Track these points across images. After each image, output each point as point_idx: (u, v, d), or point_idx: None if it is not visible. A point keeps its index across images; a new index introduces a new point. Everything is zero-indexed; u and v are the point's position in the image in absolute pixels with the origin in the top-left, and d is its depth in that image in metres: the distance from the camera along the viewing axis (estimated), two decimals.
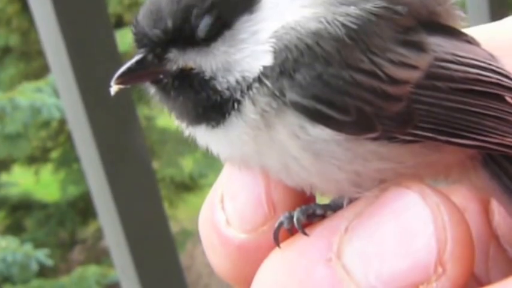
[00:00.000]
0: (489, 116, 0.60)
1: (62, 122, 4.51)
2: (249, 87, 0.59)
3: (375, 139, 0.58)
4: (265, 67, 0.58)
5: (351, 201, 0.60)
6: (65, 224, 5.07)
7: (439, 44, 0.60)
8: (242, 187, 0.63)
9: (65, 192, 5.13)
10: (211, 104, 0.60)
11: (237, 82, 0.59)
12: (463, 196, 0.68)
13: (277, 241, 0.60)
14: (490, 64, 0.62)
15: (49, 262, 3.65)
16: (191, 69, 0.61)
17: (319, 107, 0.56)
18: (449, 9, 0.64)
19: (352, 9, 0.58)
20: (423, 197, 0.55)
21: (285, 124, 0.58)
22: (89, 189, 1.56)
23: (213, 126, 0.61)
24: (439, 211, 0.55)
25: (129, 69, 0.60)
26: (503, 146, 0.61)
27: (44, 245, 4.04)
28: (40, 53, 3.97)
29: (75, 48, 1.39)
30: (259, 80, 0.58)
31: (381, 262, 0.54)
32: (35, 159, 5.33)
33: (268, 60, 0.58)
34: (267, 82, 0.58)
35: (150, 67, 0.61)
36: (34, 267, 3.57)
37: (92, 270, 4.13)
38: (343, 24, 0.57)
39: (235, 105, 0.59)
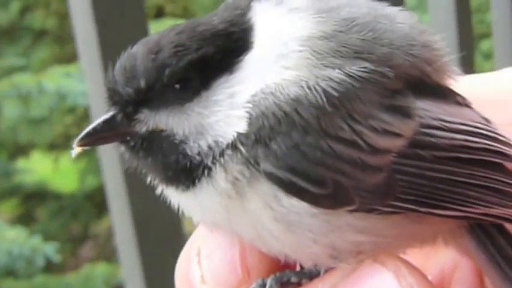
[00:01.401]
0: (474, 185, 0.59)
1: (88, 109, 4.46)
2: (221, 154, 0.57)
3: (352, 211, 0.56)
4: (239, 133, 0.57)
5: (329, 269, 0.59)
6: (78, 217, 5.01)
7: (427, 109, 0.59)
8: (217, 247, 0.62)
9: (83, 183, 5.08)
10: (180, 168, 0.58)
11: (209, 147, 0.58)
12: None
13: None
14: (477, 127, 0.61)
15: (57, 258, 3.54)
16: (162, 131, 0.59)
17: (295, 179, 0.55)
18: (441, 67, 0.63)
19: (336, 73, 0.56)
20: (398, 277, 0.55)
21: (258, 193, 0.57)
22: (104, 182, 1.55)
23: (183, 190, 0.59)
24: None
25: (94, 130, 0.59)
26: (489, 215, 0.60)
27: (54, 238, 3.96)
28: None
29: (105, 36, 1.37)
30: (232, 146, 0.57)
31: None
32: (55, 146, 5.26)
33: (242, 126, 0.56)
34: (242, 149, 0.56)
35: (117, 128, 0.59)
36: (40, 263, 3.46)
37: (101, 269, 4.07)
38: (325, 90, 0.55)
39: (206, 171, 0.58)
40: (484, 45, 4.19)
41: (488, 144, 0.60)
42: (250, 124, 0.56)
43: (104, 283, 3.95)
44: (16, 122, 4.46)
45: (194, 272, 0.62)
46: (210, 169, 0.57)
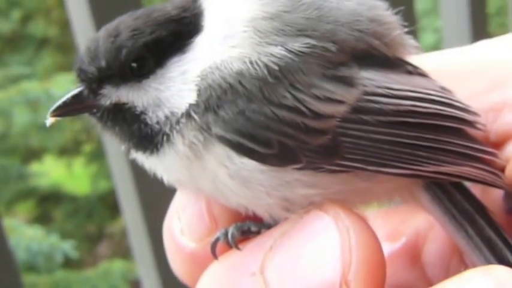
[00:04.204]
0: (423, 146, 0.62)
1: None
2: (177, 122, 0.63)
3: (300, 168, 0.61)
4: (191, 104, 0.63)
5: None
6: (93, 218, 5.10)
7: (371, 78, 0.63)
8: (187, 202, 0.69)
9: (96, 186, 5.17)
10: (143, 135, 0.65)
11: (166, 117, 0.64)
12: None
13: (214, 254, 0.65)
14: (429, 94, 0.64)
15: (75, 254, 3.65)
16: (124, 104, 0.66)
17: (242, 140, 0.60)
18: (393, 41, 0.66)
19: (278, 50, 0.61)
20: (336, 221, 0.59)
21: (213, 154, 0.62)
22: (115, 185, 1.57)
23: (150, 154, 0.66)
24: (348, 235, 0.58)
25: (64, 103, 0.66)
26: (440, 173, 0.63)
27: (71, 237, 4.05)
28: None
29: None
30: (186, 115, 0.63)
31: (294, 279, 0.59)
32: (67, 151, 5.35)
33: (193, 97, 0.63)
34: (195, 117, 0.62)
35: (84, 101, 0.66)
36: (59, 258, 3.56)
37: (118, 265, 4.13)
38: (266, 65, 0.60)
39: (165, 137, 0.64)
40: None
41: (441, 110, 0.64)
42: (199, 95, 0.62)
43: (122, 278, 4.02)
44: (27, 128, 4.53)
45: (175, 226, 0.69)
46: (168, 135, 0.64)
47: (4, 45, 5.75)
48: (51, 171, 5.38)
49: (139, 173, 1.43)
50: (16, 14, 5.75)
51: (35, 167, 5.26)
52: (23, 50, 5.74)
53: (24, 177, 4.90)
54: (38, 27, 5.84)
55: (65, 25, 5.50)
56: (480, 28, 2.04)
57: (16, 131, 4.64)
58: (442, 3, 2.10)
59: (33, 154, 5.21)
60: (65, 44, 5.66)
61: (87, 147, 5.41)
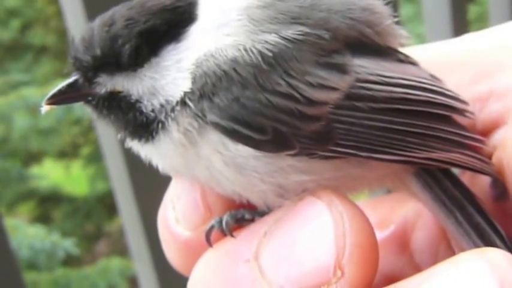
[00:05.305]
0: (414, 133, 0.63)
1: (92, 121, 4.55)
2: (172, 110, 0.63)
3: (294, 155, 0.61)
4: (186, 92, 0.63)
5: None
6: (91, 218, 5.17)
7: (364, 66, 0.63)
8: (182, 191, 0.69)
9: (94, 187, 5.24)
10: (138, 123, 0.65)
11: (161, 105, 0.64)
12: None
13: (208, 242, 0.65)
14: (420, 82, 0.65)
15: (76, 251, 3.73)
16: (119, 92, 0.66)
17: (237, 127, 0.60)
18: (385, 30, 0.67)
19: (272, 37, 0.62)
20: (329, 206, 0.60)
21: (207, 141, 0.63)
22: (112, 186, 1.59)
23: (145, 142, 0.66)
24: (341, 219, 0.59)
25: (59, 91, 0.66)
26: (431, 160, 0.64)
27: (70, 235, 4.11)
28: None
29: None
30: (181, 102, 0.63)
31: (289, 264, 0.59)
32: (65, 154, 5.45)
33: (188, 85, 0.63)
34: (190, 104, 0.62)
35: (80, 89, 0.66)
36: (61, 255, 3.65)
37: (116, 262, 4.20)
38: (260, 52, 0.61)
39: (160, 125, 0.64)
40: None
41: (432, 98, 0.64)
42: (194, 83, 0.62)
43: (120, 275, 4.08)
44: (27, 132, 4.61)
45: (169, 215, 0.68)
46: (163, 123, 0.64)
47: (4, 53, 5.82)
48: (50, 174, 5.46)
49: (136, 175, 1.47)
50: (15, 23, 5.81)
51: (35, 169, 5.35)
52: (22, 58, 5.81)
53: (25, 179, 4.96)
54: (37, 36, 5.90)
55: (63, 34, 5.55)
56: (461, 33, 2.02)
57: (16, 135, 4.72)
58: (425, 10, 2.15)
59: (33, 157, 5.30)
60: (63, 52, 5.67)
61: (85, 150, 5.49)
